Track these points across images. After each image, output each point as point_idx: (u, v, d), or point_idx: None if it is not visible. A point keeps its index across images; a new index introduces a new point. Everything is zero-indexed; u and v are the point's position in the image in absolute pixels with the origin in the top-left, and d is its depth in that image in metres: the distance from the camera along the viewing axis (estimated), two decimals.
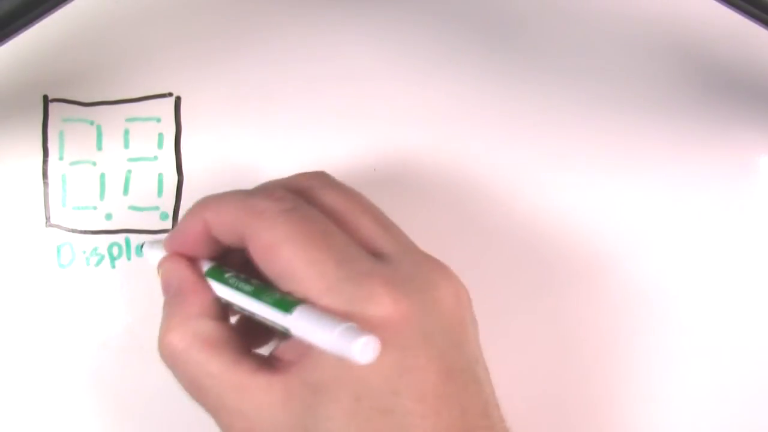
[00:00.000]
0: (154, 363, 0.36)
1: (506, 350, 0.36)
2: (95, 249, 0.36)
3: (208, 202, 0.28)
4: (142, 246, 0.32)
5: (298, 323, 0.25)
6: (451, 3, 0.38)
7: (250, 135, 0.37)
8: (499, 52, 0.38)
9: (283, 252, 0.26)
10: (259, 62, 0.37)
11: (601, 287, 0.36)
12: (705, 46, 0.38)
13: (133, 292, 0.36)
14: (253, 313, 0.27)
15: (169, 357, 0.27)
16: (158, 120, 0.37)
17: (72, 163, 0.37)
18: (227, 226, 0.27)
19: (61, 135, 0.37)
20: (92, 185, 0.37)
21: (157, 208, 0.37)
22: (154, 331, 0.35)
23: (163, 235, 0.31)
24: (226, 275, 0.28)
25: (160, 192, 0.37)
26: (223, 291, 0.28)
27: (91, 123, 0.37)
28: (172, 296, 0.28)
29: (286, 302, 0.25)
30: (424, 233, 0.37)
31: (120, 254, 0.36)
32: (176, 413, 0.35)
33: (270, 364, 0.27)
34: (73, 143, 0.37)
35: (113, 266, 0.36)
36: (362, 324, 0.24)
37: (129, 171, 0.37)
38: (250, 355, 0.27)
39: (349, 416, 0.24)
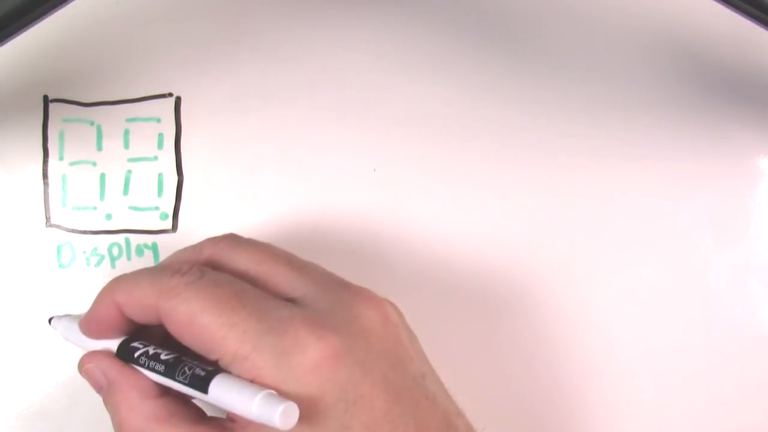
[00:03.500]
0: None
1: (505, 345, 0.36)
2: (95, 249, 0.36)
3: (118, 285, 0.28)
4: (50, 320, 0.32)
5: (216, 399, 0.25)
6: (451, 3, 0.38)
7: (250, 135, 0.37)
8: (500, 52, 0.38)
9: (201, 323, 0.26)
10: (259, 62, 0.37)
11: (601, 288, 0.36)
12: (705, 46, 0.38)
13: None
14: (169, 383, 0.27)
15: None
16: (158, 120, 0.37)
17: (72, 164, 0.37)
18: (140, 308, 0.27)
19: (61, 135, 0.37)
20: (92, 185, 0.37)
21: (157, 208, 0.37)
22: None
23: (70, 314, 0.30)
24: (136, 355, 0.28)
25: (160, 192, 0.37)
26: (144, 371, 0.28)
27: (91, 123, 0.37)
28: (106, 393, 0.28)
29: (200, 380, 0.26)
30: (424, 233, 0.37)
31: (120, 254, 0.36)
32: None
33: (226, 426, 0.27)
34: (73, 143, 0.37)
35: (113, 266, 0.36)
36: (296, 371, 0.25)
37: (129, 171, 0.37)
38: (206, 421, 0.27)
39: None
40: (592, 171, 0.37)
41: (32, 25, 0.30)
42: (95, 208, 0.37)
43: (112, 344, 0.29)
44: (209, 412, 0.29)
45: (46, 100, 0.37)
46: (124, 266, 0.36)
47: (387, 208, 0.37)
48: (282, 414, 0.23)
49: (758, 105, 0.37)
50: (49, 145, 0.37)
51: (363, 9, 0.38)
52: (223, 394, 0.25)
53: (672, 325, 0.36)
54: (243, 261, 0.29)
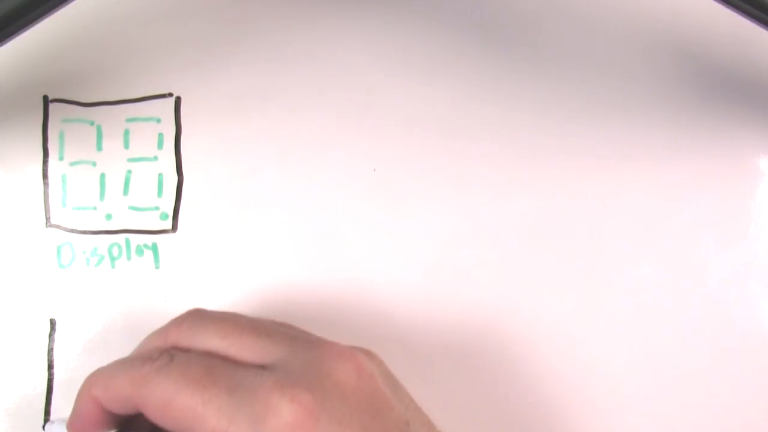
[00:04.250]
0: None
1: (504, 344, 0.36)
2: (95, 249, 0.36)
3: (94, 380, 0.29)
4: (44, 426, 0.33)
5: None
6: (451, 3, 0.38)
7: (250, 135, 0.37)
8: (500, 52, 0.38)
9: (176, 406, 0.26)
10: (259, 62, 0.37)
11: (600, 288, 0.36)
12: (705, 46, 0.38)
13: (133, 292, 0.36)
14: None
15: None
16: (158, 120, 0.37)
17: (72, 164, 0.37)
18: (118, 400, 0.28)
19: (61, 135, 0.37)
20: (92, 185, 0.37)
21: (157, 208, 0.37)
22: (154, 330, 0.35)
23: (63, 418, 0.31)
24: None
25: (160, 192, 0.37)
26: None
27: (91, 123, 0.37)
28: None
29: None
30: (425, 233, 0.37)
31: (120, 254, 0.36)
32: None
33: None
34: (73, 143, 0.37)
35: (113, 266, 0.36)
36: None
37: (129, 171, 0.37)
38: None
39: None
40: (593, 171, 0.37)
41: (32, 25, 0.30)
42: (95, 208, 0.37)
43: None
44: None
45: (46, 100, 0.37)
46: (124, 266, 0.36)
47: (387, 208, 0.37)
48: None
49: (758, 105, 0.37)
50: (49, 145, 0.37)
51: (363, 9, 0.38)
52: None
53: (672, 325, 0.36)
54: (208, 338, 0.29)
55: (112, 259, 0.36)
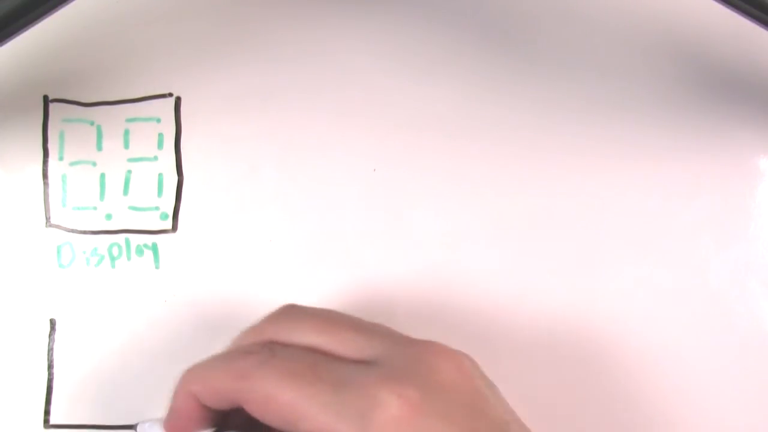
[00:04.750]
0: (154, 362, 0.36)
1: (503, 345, 0.36)
2: (95, 249, 0.36)
3: (191, 375, 0.29)
4: (136, 426, 0.32)
5: None
6: (451, 3, 0.38)
7: (250, 135, 0.37)
8: (499, 52, 0.38)
9: (280, 401, 0.26)
10: (259, 62, 0.37)
11: (600, 287, 0.36)
12: (705, 46, 0.38)
13: (133, 292, 0.36)
14: None
15: None
16: (158, 120, 0.37)
17: (72, 164, 0.37)
18: (218, 396, 0.28)
19: (61, 135, 0.37)
20: (92, 185, 0.37)
21: (157, 208, 0.37)
22: (154, 330, 0.36)
23: (154, 418, 0.30)
24: None
25: (160, 192, 0.37)
26: None
27: (91, 123, 0.37)
28: None
29: None
30: (425, 233, 0.37)
31: (120, 254, 0.36)
32: None
33: None
34: (73, 143, 0.37)
35: (113, 266, 0.36)
36: (380, 431, 0.25)
37: (129, 171, 0.37)
38: None
39: None
40: (592, 171, 0.37)
41: (32, 25, 0.30)
42: (95, 208, 0.37)
43: None
44: None
45: (46, 100, 0.37)
46: (124, 266, 0.36)
47: (387, 208, 0.37)
48: None
49: (758, 105, 0.37)
50: (49, 145, 0.37)
51: (363, 9, 0.38)
52: None
53: (672, 325, 0.36)
54: (307, 333, 0.29)
55: (112, 259, 0.36)
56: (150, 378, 0.36)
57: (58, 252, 0.36)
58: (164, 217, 0.37)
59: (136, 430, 0.31)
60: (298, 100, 0.37)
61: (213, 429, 0.29)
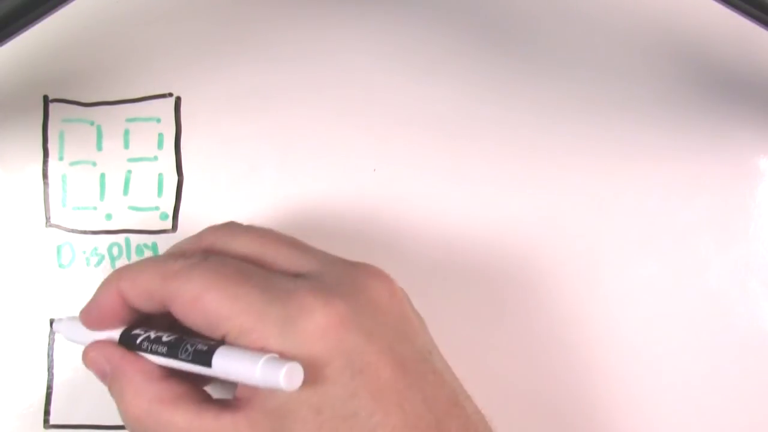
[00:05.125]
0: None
1: (504, 344, 0.36)
2: (95, 249, 0.36)
3: (122, 273, 0.28)
4: (52, 323, 0.32)
5: (220, 371, 0.25)
6: (451, 3, 0.38)
7: (251, 135, 0.37)
8: (499, 52, 0.38)
9: (206, 300, 0.26)
10: (259, 62, 0.37)
11: (600, 287, 0.36)
12: (705, 46, 0.38)
13: None
14: (180, 369, 0.27)
15: (137, 425, 0.27)
16: (158, 120, 0.37)
17: (72, 164, 0.37)
18: (145, 295, 0.28)
19: (61, 135, 0.37)
20: (92, 185, 0.37)
21: (157, 208, 0.37)
22: None
23: (71, 315, 0.30)
24: (138, 341, 0.28)
25: (160, 192, 0.37)
26: (147, 355, 0.28)
27: (91, 123, 0.37)
28: (111, 378, 0.28)
29: (203, 354, 0.26)
30: (425, 233, 0.37)
31: (120, 254, 0.36)
32: None
33: (231, 404, 0.27)
34: (73, 143, 0.37)
35: (113, 266, 0.36)
36: (302, 337, 0.25)
37: (129, 171, 0.37)
38: (212, 402, 0.27)
39: (315, 431, 0.25)
40: (592, 171, 0.37)
41: (32, 25, 0.30)
42: (95, 208, 0.37)
43: (114, 334, 0.29)
44: (215, 396, 0.29)
45: (46, 100, 0.37)
46: None
47: (387, 208, 0.37)
48: (286, 375, 0.23)
49: (758, 105, 0.37)
50: (49, 145, 0.37)
51: (363, 9, 0.38)
52: (227, 365, 0.25)
53: (672, 325, 0.36)
54: (245, 244, 0.29)
55: (112, 259, 0.36)
56: None
57: (58, 252, 0.36)
58: (164, 217, 0.37)
59: (51, 326, 0.32)
60: (298, 100, 0.37)
61: (125, 327, 0.29)
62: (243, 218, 0.36)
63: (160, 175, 0.37)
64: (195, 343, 0.26)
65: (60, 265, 0.36)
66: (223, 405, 0.27)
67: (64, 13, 0.31)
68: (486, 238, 0.37)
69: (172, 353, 0.27)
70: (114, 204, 0.37)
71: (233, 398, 0.27)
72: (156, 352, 0.27)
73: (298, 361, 0.24)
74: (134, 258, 0.36)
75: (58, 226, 0.37)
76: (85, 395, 0.36)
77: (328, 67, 0.37)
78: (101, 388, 0.36)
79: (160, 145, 0.37)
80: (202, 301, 0.26)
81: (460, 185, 0.37)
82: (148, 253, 0.37)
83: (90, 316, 0.29)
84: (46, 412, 0.35)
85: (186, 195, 0.37)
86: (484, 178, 0.37)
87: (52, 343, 0.36)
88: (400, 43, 0.38)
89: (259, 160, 0.37)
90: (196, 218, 0.37)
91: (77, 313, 0.30)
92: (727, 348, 0.36)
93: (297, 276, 0.27)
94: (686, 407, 0.36)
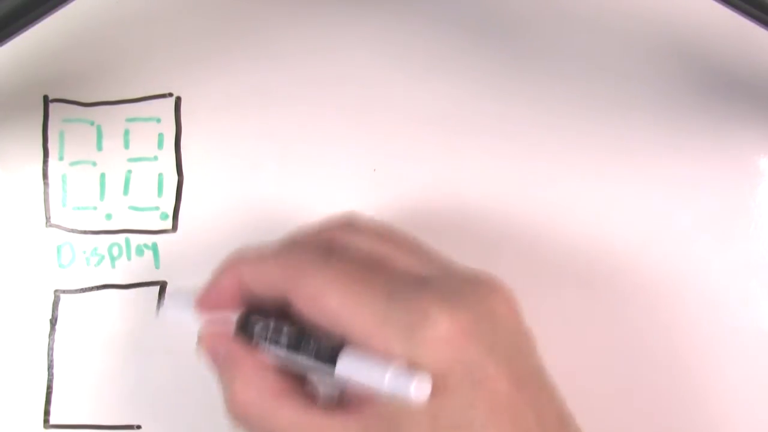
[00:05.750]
0: (154, 362, 0.36)
1: None
2: (95, 249, 0.36)
3: (245, 260, 0.28)
4: (160, 299, 0.31)
5: (344, 372, 0.25)
6: (451, 4, 0.38)
7: (250, 135, 0.37)
8: (499, 52, 0.38)
9: (331, 299, 0.26)
10: (259, 62, 0.37)
11: (600, 287, 0.36)
12: (705, 46, 0.38)
13: (133, 292, 0.36)
14: (298, 366, 0.27)
15: (242, 415, 0.27)
16: (158, 120, 0.37)
17: (72, 164, 0.37)
18: (267, 284, 0.28)
19: (61, 135, 0.37)
20: (92, 185, 0.37)
21: (157, 208, 0.37)
22: (154, 330, 0.36)
23: (182, 291, 0.30)
24: (257, 328, 0.28)
25: (160, 192, 0.37)
26: (265, 344, 0.28)
27: (91, 123, 0.37)
28: (223, 363, 0.28)
29: (327, 352, 0.25)
30: (424, 233, 0.37)
31: (120, 254, 0.36)
32: (177, 412, 0.35)
33: (341, 404, 0.27)
34: (73, 143, 0.37)
35: (113, 266, 0.36)
36: (426, 346, 0.24)
37: (129, 171, 0.37)
38: (319, 399, 0.27)
39: None
40: (593, 170, 0.37)
41: (32, 25, 0.30)
42: (95, 208, 0.37)
43: (230, 317, 0.29)
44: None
45: (46, 100, 0.37)
46: (124, 266, 0.36)
47: (387, 208, 0.37)
48: (416, 387, 0.23)
49: (759, 105, 0.37)
50: (49, 145, 0.37)
51: (363, 8, 0.38)
52: (352, 367, 0.25)
53: (672, 325, 0.36)
54: (367, 243, 0.29)
55: (112, 259, 0.36)
56: (150, 377, 0.35)
57: (58, 252, 0.36)
58: (164, 217, 0.37)
59: (163, 299, 0.31)
60: (298, 99, 0.37)
61: (240, 312, 0.29)
62: (243, 218, 0.36)
63: (160, 175, 0.37)
64: (319, 339, 0.26)
65: (60, 265, 0.36)
66: (332, 403, 0.27)
67: (64, 13, 0.31)
68: (486, 237, 0.37)
69: (293, 345, 0.26)
70: (114, 204, 0.37)
71: (338, 396, 0.27)
72: (277, 342, 0.27)
73: (427, 373, 0.24)
74: (134, 258, 0.36)
75: (58, 226, 0.37)
76: (85, 395, 0.36)
77: (327, 67, 0.37)
78: (101, 388, 0.36)
79: (160, 145, 0.37)
80: (324, 299, 0.26)
81: (460, 185, 0.37)
82: (148, 253, 0.36)
83: (208, 298, 0.29)
84: (46, 412, 0.35)
85: (186, 195, 0.37)
86: (485, 177, 0.37)
87: (52, 343, 0.36)
88: (401, 42, 0.38)
89: (259, 160, 0.37)
90: (196, 218, 0.37)
91: (189, 289, 0.30)
92: (728, 348, 0.36)
93: (419, 281, 0.27)
94: (686, 407, 0.36)
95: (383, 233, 0.29)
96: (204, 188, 0.37)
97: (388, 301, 0.25)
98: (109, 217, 0.37)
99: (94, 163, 0.37)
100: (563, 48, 0.38)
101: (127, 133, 0.37)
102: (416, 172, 0.37)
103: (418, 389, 0.23)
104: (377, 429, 0.25)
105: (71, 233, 0.37)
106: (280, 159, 0.37)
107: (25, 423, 0.35)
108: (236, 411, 0.27)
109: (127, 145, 0.37)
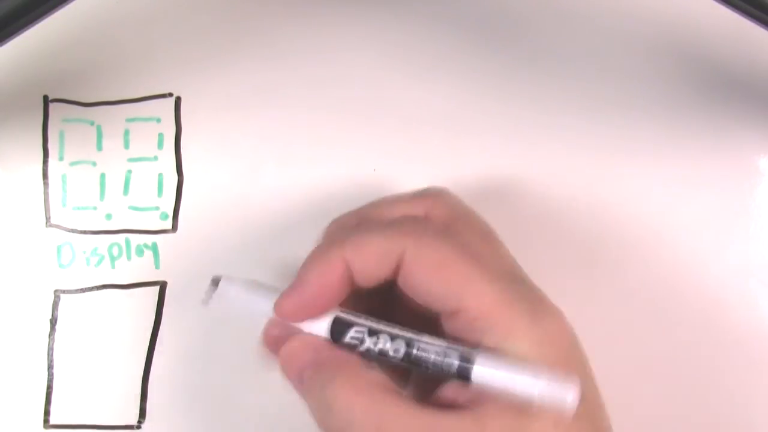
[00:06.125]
0: (154, 362, 0.36)
1: None
2: (95, 249, 0.36)
3: (342, 242, 0.26)
4: (216, 282, 0.26)
5: (484, 379, 0.24)
6: (451, 4, 0.38)
7: (250, 135, 0.37)
8: (499, 53, 0.38)
9: (456, 268, 0.24)
10: (259, 62, 0.37)
11: (599, 287, 0.36)
12: (705, 46, 0.38)
13: (133, 292, 0.36)
14: (413, 365, 0.25)
15: (346, 421, 0.24)
16: (158, 120, 0.37)
17: (72, 164, 0.37)
18: (374, 261, 0.25)
19: (61, 135, 0.37)
20: (92, 185, 0.37)
21: (157, 208, 0.37)
22: (154, 330, 0.35)
23: (244, 279, 0.26)
24: (362, 349, 0.25)
25: (160, 192, 0.37)
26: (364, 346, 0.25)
27: (91, 123, 0.37)
28: (314, 373, 0.25)
29: (462, 355, 0.24)
30: None
31: (120, 254, 0.36)
32: (178, 411, 0.35)
33: (447, 403, 0.25)
34: (73, 143, 0.37)
35: (113, 266, 0.36)
36: (550, 334, 0.25)
37: (129, 171, 0.37)
38: (431, 401, 0.25)
39: (552, 429, 0.24)
40: (593, 170, 0.37)
41: (32, 25, 0.30)
42: (95, 208, 0.37)
43: (321, 326, 0.25)
44: None
45: (46, 100, 0.37)
46: (124, 266, 0.36)
47: None
48: (572, 397, 0.23)
49: (759, 104, 0.37)
50: (49, 145, 0.37)
51: (363, 8, 0.38)
52: (493, 375, 0.23)
53: (671, 325, 0.36)
54: (469, 233, 0.27)
55: (112, 259, 0.36)
56: (150, 378, 0.35)
57: (58, 252, 0.36)
58: (164, 217, 0.37)
59: (215, 286, 0.26)
60: (298, 99, 0.37)
61: (333, 314, 0.25)
62: (243, 218, 0.36)
63: (160, 175, 0.37)
64: (439, 358, 0.24)
65: (60, 265, 0.36)
66: (444, 402, 0.25)
67: (64, 13, 0.31)
68: None
69: (411, 365, 0.25)
70: (114, 204, 0.37)
71: (442, 396, 0.25)
72: (385, 355, 0.25)
73: (575, 383, 0.23)
74: (134, 258, 0.36)
75: (58, 226, 0.37)
76: (85, 395, 0.36)
77: (328, 67, 0.37)
78: (101, 388, 0.36)
79: (160, 145, 0.37)
80: (450, 269, 0.24)
81: (460, 185, 0.37)
82: (148, 253, 0.36)
83: (300, 301, 0.26)
84: (46, 412, 0.35)
85: (186, 195, 0.37)
86: (485, 176, 0.37)
87: (52, 343, 0.36)
88: (401, 42, 0.38)
89: (259, 160, 0.37)
90: (196, 218, 0.37)
91: (245, 280, 0.27)
92: (727, 348, 0.36)
93: (524, 274, 0.27)
94: (686, 407, 0.36)
95: (485, 229, 0.29)
96: (204, 188, 0.37)
97: (511, 280, 0.25)
98: (109, 217, 0.37)
99: (94, 163, 0.37)
100: (563, 48, 0.38)
101: (127, 133, 0.37)
102: (416, 172, 0.37)
103: (572, 399, 0.23)
104: (503, 423, 0.24)
105: (71, 233, 0.37)
106: (280, 159, 0.37)
107: (25, 423, 0.35)
108: (339, 418, 0.24)
109: (127, 145, 0.37)
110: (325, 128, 0.37)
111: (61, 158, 0.37)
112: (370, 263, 0.25)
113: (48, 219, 0.37)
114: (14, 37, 0.30)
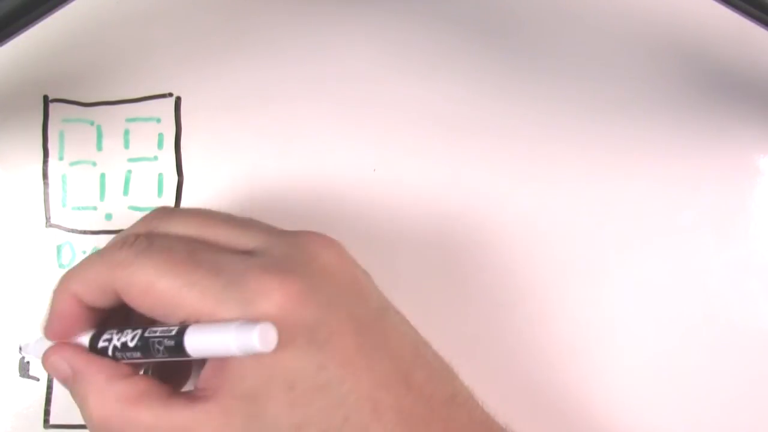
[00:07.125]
0: (153, 362, 0.36)
1: (504, 344, 0.36)
2: (95, 249, 0.36)
3: (70, 276, 0.28)
4: (21, 349, 0.32)
5: (197, 353, 0.25)
6: (451, 4, 0.38)
7: (250, 135, 0.37)
8: (499, 53, 0.38)
9: (159, 288, 0.25)
10: (259, 62, 0.37)
11: (600, 287, 0.36)
12: (705, 46, 0.38)
13: None
14: (152, 361, 0.27)
15: (105, 429, 0.26)
16: (158, 120, 0.37)
17: (72, 164, 0.37)
18: (98, 291, 0.27)
19: (61, 135, 0.37)
20: (92, 185, 0.37)
21: None
22: None
23: (36, 336, 0.29)
24: (110, 352, 0.27)
25: (160, 192, 0.37)
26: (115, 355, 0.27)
27: (91, 123, 0.37)
28: (73, 381, 0.27)
29: (172, 348, 0.25)
30: (424, 233, 0.37)
31: None
32: None
33: (198, 394, 0.26)
34: (73, 143, 0.37)
35: None
36: (264, 319, 0.24)
37: (129, 171, 0.37)
38: (178, 395, 0.27)
39: (290, 407, 0.25)
40: (593, 170, 0.37)
41: (32, 25, 0.30)
42: (95, 208, 0.37)
43: (83, 340, 0.28)
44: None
45: (46, 100, 0.37)
46: None
47: (386, 208, 0.37)
48: (261, 335, 0.23)
49: (759, 104, 0.37)
50: (49, 145, 0.37)
51: (363, 7, 0.38)
52: (200, 342, 0.24)
53: (672, 325, 0.36)
54: (184, 226, 0.28)
55: None
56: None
57: (58, 252, 0.36)
58: None
59: (21, 352, 0.32)
60: (298, 99, 0.37)
61: (92, 330, 0.28)
62: None
63: (160, 175, 0.37)
64: (162, 337, 0.26)
65: (60, 265, 0.36)
66: (191, 396, 0.26)
67: (64, 13, 0.31)
68: (486, 237, 0.37)
69: (146, 356, 0.26)
70: (114, 204, 0.37)
71: (197, 389, 0.27)
72: (131, 359, 0.27)
73: (268, 321, 0.24)
74: None
75: (58, 226, 0.37)
76: None
77: (328, 66, 0.37)
78: None
79: (160, 145, 0.37)
80: (154, 290, 0.26)
81: (460, 185, 0.37)
82: None
83: (53, 329, 0.28)
84: (46, 412, 0.35)
85: (186, 195, 0.37)
86: (486, 176, 0.37)
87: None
88: (400, 44, 0.38)
89: (259, 160, 0.37)
90: None
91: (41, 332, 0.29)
92: (727, 348, 0.36)
93: (244, 255, 0.27)
94: (686, 407, 0.36)
95: (198, 216, 0.29)
96: (204, 188, 0.37)
97: (218, 281, 0.25)
98: (109, 217, 0.37)
99: (94, 163, 0.37)
100: (563, 48, 0.38)
101: (127, 133, 0.37)
102: (416, 172, 0.37)
103: (263, 337, 0.23)
104: (238, 408, 0.25)
105: (71, 233, 0.37)
106: (280, 159, 0.37)
107: (25, 423, 0.35)
108: (97, 425, 0.26)
109: (127, 145, 0.37)
110: (325, 128, 0.37)
111: (61, 158, 0.37)
112: (95, 294, 0.27)
113: (48, 219, 0.37)
114: (14, 37, 0.30)
